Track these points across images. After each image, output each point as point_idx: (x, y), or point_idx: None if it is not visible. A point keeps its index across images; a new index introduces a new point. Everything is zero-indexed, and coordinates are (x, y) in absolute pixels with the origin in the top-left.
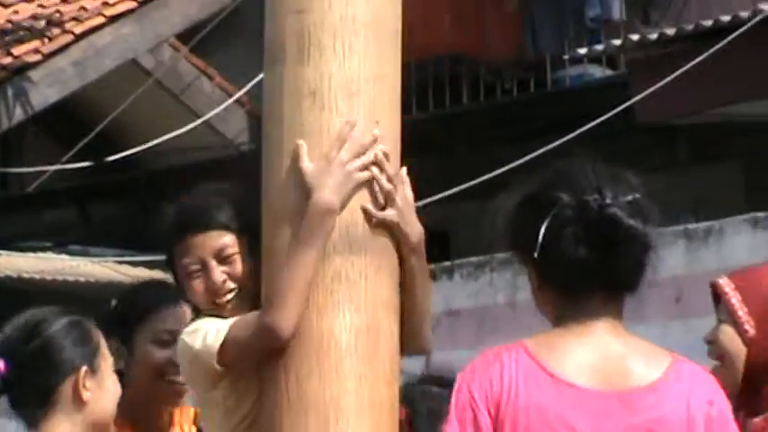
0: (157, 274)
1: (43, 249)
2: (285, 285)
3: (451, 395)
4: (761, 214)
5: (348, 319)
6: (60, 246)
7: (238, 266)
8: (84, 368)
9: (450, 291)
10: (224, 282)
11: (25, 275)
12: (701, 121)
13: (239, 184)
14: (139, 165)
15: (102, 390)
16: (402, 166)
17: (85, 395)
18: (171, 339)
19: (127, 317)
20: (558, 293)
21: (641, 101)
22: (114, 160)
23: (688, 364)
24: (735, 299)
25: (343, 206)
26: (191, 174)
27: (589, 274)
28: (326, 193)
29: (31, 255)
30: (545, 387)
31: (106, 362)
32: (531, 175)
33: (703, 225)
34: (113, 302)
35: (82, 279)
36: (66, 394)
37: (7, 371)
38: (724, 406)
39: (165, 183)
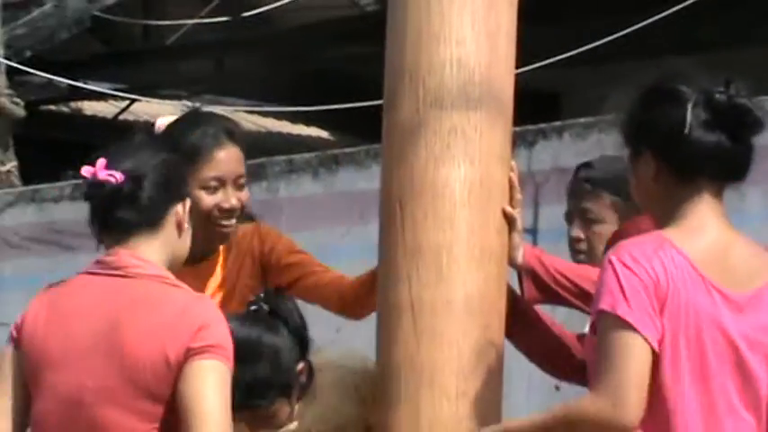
0: (284, 125)
1: (179, 98)
2: None
3: (606, 274)
4: None
5: (463, 172)
6: (195, 95)
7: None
8: (188, 199)
9: (558, 149)
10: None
11: None
12: None
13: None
14: (272, 21)
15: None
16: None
17: (185, 225)
18: (218, 185)
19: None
20: (677, 181)
21: None
22: (249, 16)
23: None
24: None
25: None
26: (318, 31)
27: (716, 160)
28: None
29: (168, 102)
30: (698, 288)
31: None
32: (641, 47)
33: None
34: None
35: None
36: (172, 221)
37: (126, 182)
38: None
39: (294, 39)
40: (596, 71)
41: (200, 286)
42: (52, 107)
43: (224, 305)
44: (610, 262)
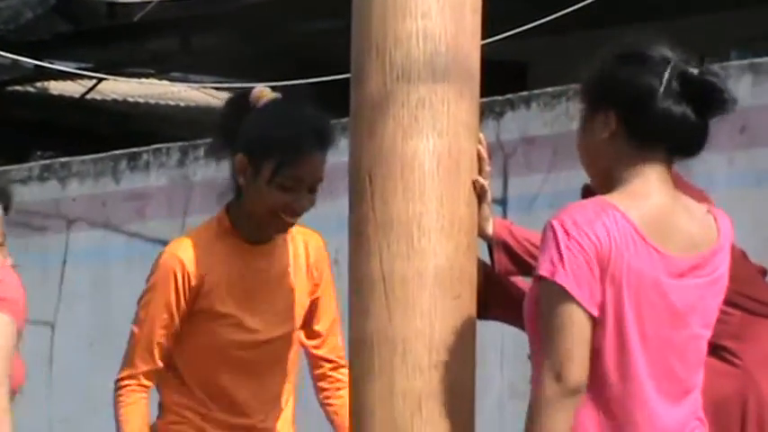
0: None
1: (146, 76)
2: None
3: (546, 240)
4: None
5: (431, 143)
6: (162, 73)
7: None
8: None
9: (526, 119)
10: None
11: (130, 99)
12: None
13: None
14: None
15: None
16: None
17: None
18: (295, 185)
19: (264, 145)
20: (633, 146)
21: None
22: None
23: (724, 220)
24: None
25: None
26: (284, 6)
27: (677, 132)
28: None
29: (135, 80)
30: (640, 250)
31: None
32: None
33: None
34: (256, 119)
35: (183, 104)
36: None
37: None
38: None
39: (260, 15)
40: (563, 40)
41: (262, 265)
42: (18, 88)
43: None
44: (551, 227)
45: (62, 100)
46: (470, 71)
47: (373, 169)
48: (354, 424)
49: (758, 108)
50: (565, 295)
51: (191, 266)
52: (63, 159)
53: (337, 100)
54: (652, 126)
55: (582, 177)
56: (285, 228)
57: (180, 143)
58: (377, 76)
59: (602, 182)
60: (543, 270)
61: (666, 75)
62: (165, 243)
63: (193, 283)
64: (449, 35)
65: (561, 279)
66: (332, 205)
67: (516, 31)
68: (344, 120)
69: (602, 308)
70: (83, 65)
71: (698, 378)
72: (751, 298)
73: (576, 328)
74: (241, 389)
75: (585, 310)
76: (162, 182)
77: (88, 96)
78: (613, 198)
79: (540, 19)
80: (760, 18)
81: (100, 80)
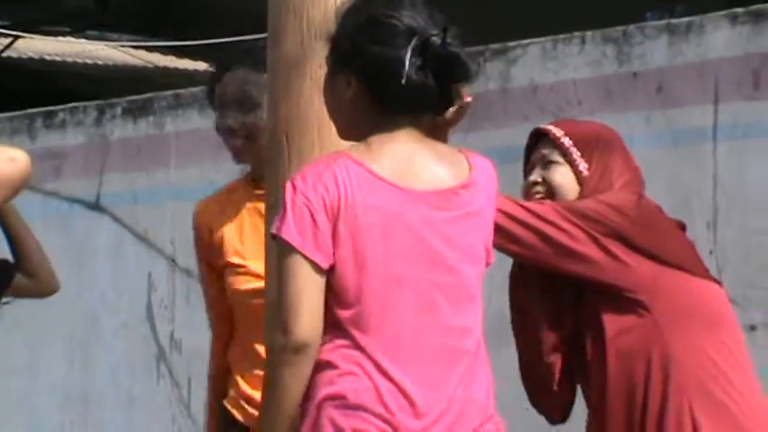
0: (170, 60)
1: (63, 34)
2: None
3: (283, 199)
4: (739, 10)
5: None
6: (79, 31)
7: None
8: None
9: None
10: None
11: (47, 57)
12: None
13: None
14: None
15: None
16: None
17: None
18: (225, 132)
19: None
20: (376, 109)
21: None
22: None
23: (479, 159)
24: (568, 143)
25: None
26: None
27: (420, 98)
28: None
29: (51, 39)
30: (376, 189)
31: None
32: None
33: (685, 20)
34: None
35: (100, 62)
36: None
37: None
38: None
39: None
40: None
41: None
42: None
43: None
44: (287, 186)
45: None
46: None
47: (290, 129)
48: None
49: (674, 68)
50: (289, 249)
51: (201, 220)
52: None
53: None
54: (395, 96)
55: (496, 137)
56: (252, 171)
57: (97, 102)
58: (294, 36)
59: (350, 136)
60: (274, 228)
61: (410, 47)
62: (81, 202)
63: (206, 238)
64: None
65: (285, 233)
66: None
67: None
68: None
69: (337, 257)
70: None
71: (466, 317)
72: (665, 251)
73: (302, 281)
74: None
75: (312, 261)
76: (79, 140)
77: (4, 54)
78: (351, 149)
79: None
80: None
81: (16, 38)
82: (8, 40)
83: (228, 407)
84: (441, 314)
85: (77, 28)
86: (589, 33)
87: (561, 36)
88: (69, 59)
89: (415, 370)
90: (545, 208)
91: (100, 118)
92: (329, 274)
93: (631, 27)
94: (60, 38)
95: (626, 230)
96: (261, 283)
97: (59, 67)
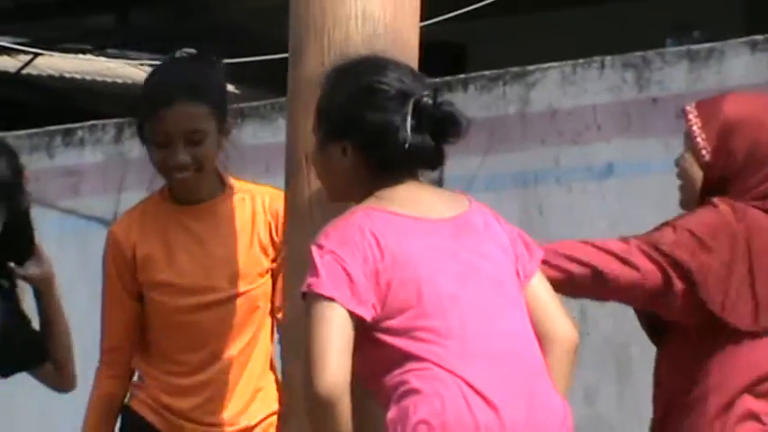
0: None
1: (83, 52)
2: None
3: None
4: (759, 37)
5: None
6: (99, 49)
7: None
8: None
9: (464, 102)
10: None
11: (66, 75)
12: None
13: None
14: None
15: None
16: None
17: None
18: (166, 140)
19: (135, 107)
20: (376, 171)
21: None
22: None
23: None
24: (696, 126)
25: None
26: None
27: (418, 157)
28: None
29: (72, 56)
30: (401, 225)
31: None
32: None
33: (706, 46)
34: None
35: (119, 81)
36: None
37: None
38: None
39: None
40: (502, 23)
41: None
42: None
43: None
44: (312, 248)
45: None
46: (409, 53)
47: (310, 149)
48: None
49: (694, 94)
50: (320, 299)
51: (123, 239)
52: None
53: (275, 79)
54: (392, 157)
55: (518, 161)
56: (183, 184)
57: (115, 120)
58: (315, 57)
59: (347, 198)
60: (304, 286)
61: (405, 110)
62: (98, 220)
63: (128, 255)
64: (388, 16)
65: (317, 287)
66: (272, 184)
67: (455, 13)
68: (282, 99)
69: (383, 302)
70: (19, 39)
71: (521, 322)
72: None
73: (333, 328)
74: (189, 354)
75: (352, 313)
76: (97, 158)
77: (24, 71)
78: (364, 203)
79: (479, 1)
80: (696, 3)
81: (36, 55)
82: (28, 58)
83: (136, 408)
84: (499, 321)
85: (97, 46)
86: (609, 58)
87: (581, 61)
88: (89, 77)
89: (491, 379)
90: None
91: (119, 136)
92: (379, 317)
93: (651, 53)
94: (80, 55)
95: None
96: (195, 299)
97: (79, 84)
